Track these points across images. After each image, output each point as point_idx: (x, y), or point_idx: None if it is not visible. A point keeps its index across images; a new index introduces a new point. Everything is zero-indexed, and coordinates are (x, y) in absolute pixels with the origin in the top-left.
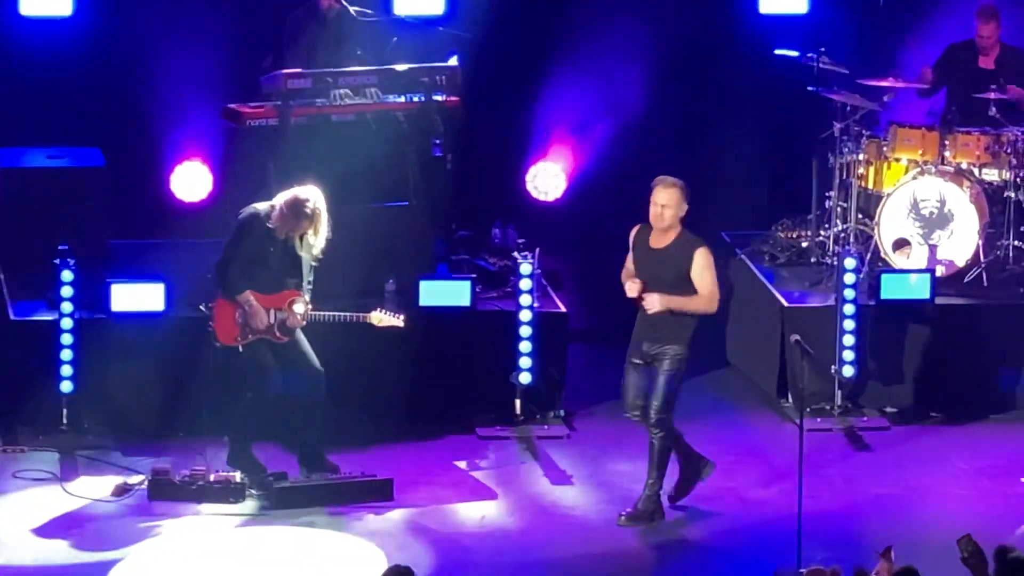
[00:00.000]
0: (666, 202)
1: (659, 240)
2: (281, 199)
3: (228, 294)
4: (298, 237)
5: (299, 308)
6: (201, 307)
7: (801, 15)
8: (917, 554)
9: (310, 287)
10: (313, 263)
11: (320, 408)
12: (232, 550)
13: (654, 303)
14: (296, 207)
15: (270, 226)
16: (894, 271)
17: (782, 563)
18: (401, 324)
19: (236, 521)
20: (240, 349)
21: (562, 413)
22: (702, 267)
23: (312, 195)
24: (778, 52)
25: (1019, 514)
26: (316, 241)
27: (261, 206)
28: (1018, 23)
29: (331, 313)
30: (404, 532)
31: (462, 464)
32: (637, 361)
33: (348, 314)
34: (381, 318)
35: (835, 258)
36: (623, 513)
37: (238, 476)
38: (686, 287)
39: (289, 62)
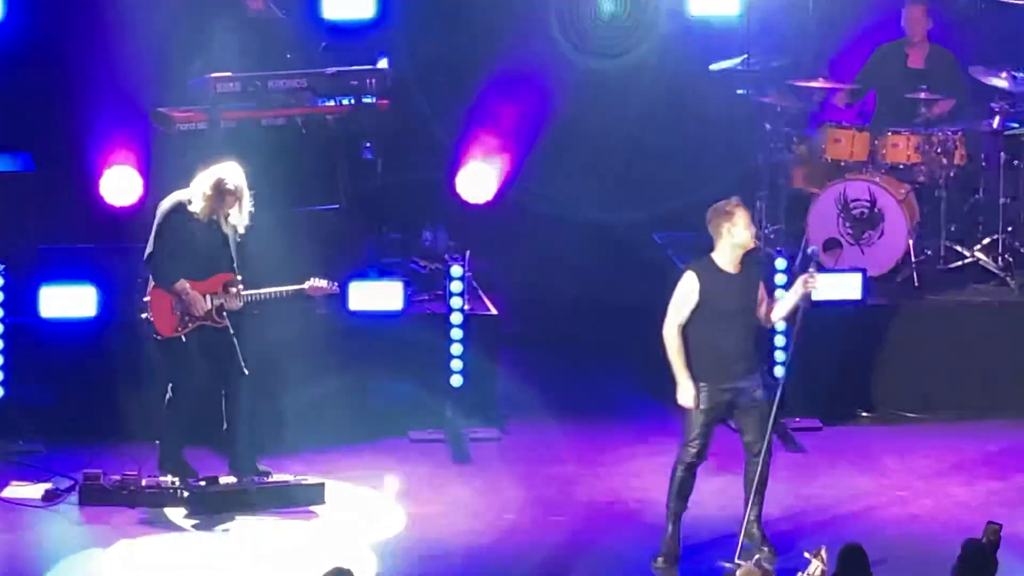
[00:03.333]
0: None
1: (733, 265)
2: (201, 181)
3: (163, 284)
4: (223, 217)
5: (234, 289)
6: (137, 299)
7: (731, 18)
8: None
9: (238, 269)
10: (238, 239)
11: (249, 411)
12: (162, 556)
13: None
14: (218, 186)
15: (192, 211)
16: (825, 271)
17: (719, 565)
18: (336, 290)
19: (166, 526)
20: (183, 339)
21: (494, 415)
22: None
23: (231, 171)
24: (713, 67)
25: (950, 514)
26: (240, 217)
27: (181, 193)
28: (949, 25)
29: (266, 290)
30: (336, 536)
31: (394, 467)
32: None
33: (282, 288)
34: (315, 286)
35: (766, 259)
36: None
37: (169, 480)
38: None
39: (217, 66)
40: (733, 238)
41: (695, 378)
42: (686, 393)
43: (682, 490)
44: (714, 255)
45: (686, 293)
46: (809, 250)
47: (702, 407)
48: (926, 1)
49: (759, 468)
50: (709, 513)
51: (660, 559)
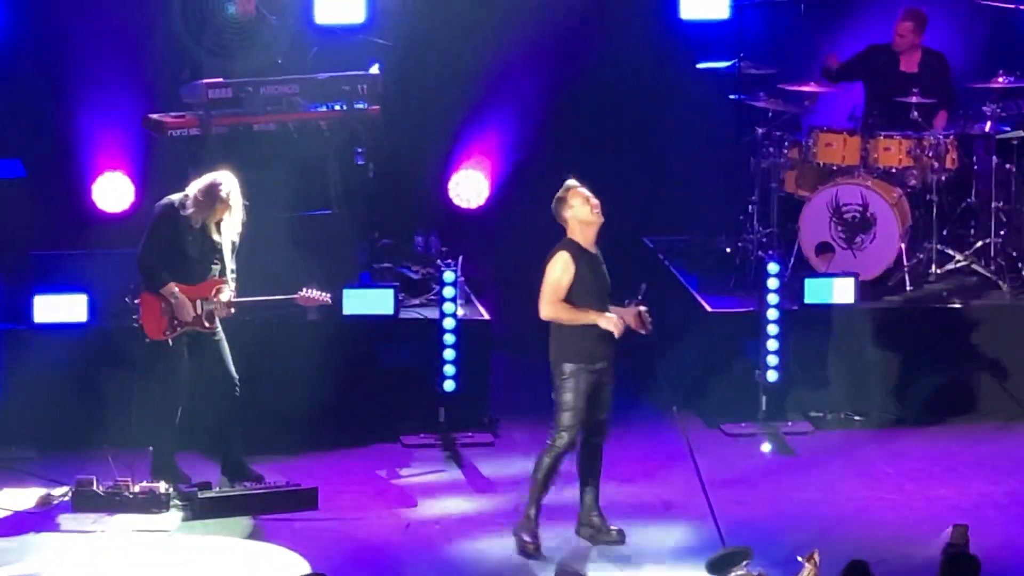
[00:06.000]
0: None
1: (591, 244)
2: (195, 187)
3: (152, 287)
4: (214, 224)
5: (225, 296)
6: (126, 299)
7: (722, 21)
8: (841, 559)
9: (234, 274)
10: (231, 248)
11: (239, 416)
12: (155, 561)
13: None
14: (211, 192)
15: (185, 215)
16: (818, 275)
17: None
18: (328, 301)
19: (159, 532)
20: (170, 343)
21: (486, 420)
22: None
23: (225, 179)
24: (701, 66)
25: (941, 517)
26: (232, 225)
27: (175, 196)
28: (941, 28)
29: (258, 298)
30: (328, 541)
31: (386, 472)
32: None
33: (275, 297)
34: (308, 296)
35: (757, 263)
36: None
37: (162, 486)
38: None
39: (209, 71)
40: (577, 216)
41: (572, 361)
42: (608, 321)
43: (552, 478)
44: (572, 236)
45: (563, 271)
46: (642, 288)
47: (580, 389)
48: (915, 18)
49: (598, 453)
50: (703, 518)
51: (530, 543)
